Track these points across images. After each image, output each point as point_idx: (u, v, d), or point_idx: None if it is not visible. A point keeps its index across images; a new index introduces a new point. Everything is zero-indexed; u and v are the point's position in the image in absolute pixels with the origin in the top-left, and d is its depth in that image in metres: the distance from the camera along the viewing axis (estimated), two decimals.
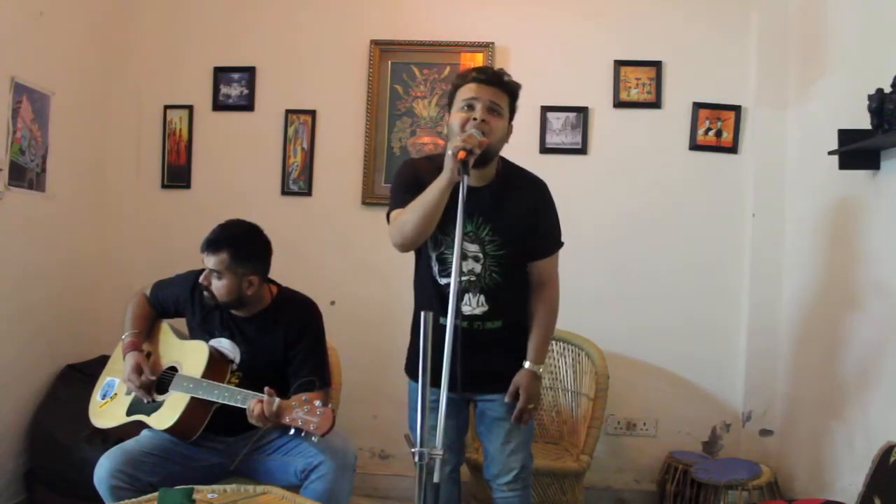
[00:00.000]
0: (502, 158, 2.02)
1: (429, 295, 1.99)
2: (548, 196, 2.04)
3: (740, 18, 3.17)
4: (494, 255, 1.95)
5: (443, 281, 1.97)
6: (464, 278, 1.95)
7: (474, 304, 1.97)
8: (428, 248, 1.98)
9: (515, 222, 1.96)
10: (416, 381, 1.97)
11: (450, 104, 1.98)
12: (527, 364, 1.99)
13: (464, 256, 1.94)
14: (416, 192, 1.88)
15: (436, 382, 1.96)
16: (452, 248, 1.91)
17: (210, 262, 2.15)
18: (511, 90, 1.94)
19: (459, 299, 1.93)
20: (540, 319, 2.01)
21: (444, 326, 1.94)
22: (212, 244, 2.15)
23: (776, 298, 3.06)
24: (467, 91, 1.91)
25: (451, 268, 1.91)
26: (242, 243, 2.19)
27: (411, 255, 2.06)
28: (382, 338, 3.23)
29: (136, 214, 3.38)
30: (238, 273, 2.16)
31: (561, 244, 2.06)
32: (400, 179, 2.01)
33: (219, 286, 2.17)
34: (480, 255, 1.95)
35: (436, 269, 1.98)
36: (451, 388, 1.94)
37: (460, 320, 1.94)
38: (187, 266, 2.36)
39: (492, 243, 1.95)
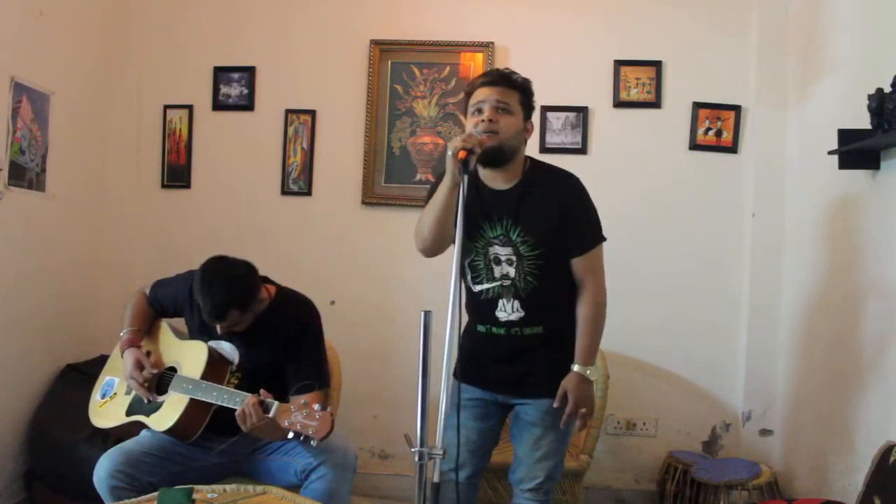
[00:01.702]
0: (531, 158, 2.02)
1: (467, 302, 1.98)
2: (580, 191, 2.00)
3: (740, 18, 3.17)
4: (530, 256, 1.93)
5: (476, 288, 1.97)
6: (496, 283, 1.95)
7: (509, 310, 1.95)
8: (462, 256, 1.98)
9: (545, 221, 1.93)
10: (460, 380, 1.97)
11: (465, 114, 2.00)
12: (575, 367, 1.94)
13: (496, 261, 1.94)
14: None
15: (471, 381, 1.98)
16: (481, 254, 1.94)
17: (224, 324, 2.11)
18: (519, 87, 1.95)
19: (494, 305, 1.95)
20: (582, 319, 1.96)
21: (480, 333, 1.97)
22: (216, 313, 2.07)
23: (776, 298, 3.06)
24: (477, 96, 1.93)
25: (482, 274, 1.95)
26: (241, 292, 2.11)
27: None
28: (382, 338, 3.24)
29: (136, 214, 3.38)
30: (250, 312, 2.16)
31: (601, 240, 2.02)
32: (430, 188, 2.02)
33: (241, 324, 2.16)
34: (514, 258, 1.93)
35: (469, 276, 1.98)
36: (464, 380, 1.96)
37: (495, 327, 1.96)
38: (187, 266, 2.36)
39: (525, 244, 1.93)
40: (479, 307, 1.97)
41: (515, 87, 1.94)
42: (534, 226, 1.92)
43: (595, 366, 1.97)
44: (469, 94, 1.97)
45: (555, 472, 2.01)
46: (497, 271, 1.94)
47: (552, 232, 1.93)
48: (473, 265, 1.96)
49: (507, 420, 2.13)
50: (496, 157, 1.87)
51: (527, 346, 1.96)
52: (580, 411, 1.92)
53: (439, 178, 1.99)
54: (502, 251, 1.94)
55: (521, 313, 1.94)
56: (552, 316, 1.97)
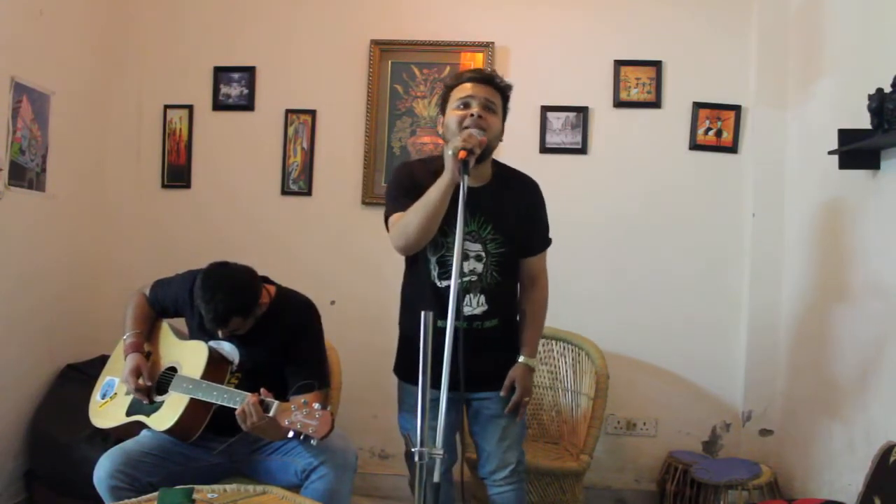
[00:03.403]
0: (494, 160, 2.05)
1: (426, 298, 1.98)
2: (541, 194, 2.10)
3: (740, 18, 3.17)
4: (496, 253, 1.98)
5: (442, 284, 1.97)
6: (465, 279, 1.96)
7: (475, 305, 1.98)
8: (427, 251, 1.98)
9: (515, 220, 2.00)
10: (407, 381, 2.00)
11: (443, 106, 2.00)
12: (521, 358, 2.02)
13: (465, 257, 1.96)
14: (413, 194, 1.89)
15: (431, 383, 1.98)
16: (452, 250, 1.92)
17: (226, 331, 2.12)
18: (503, 91, 1.98)
19: (461, 300, 1.95)
20: (533, 314, 2.06)
21: (440, 329, 1.95)
22: (219, 321, 2.07)
23: (776, 298, 3.06)
24: (462, 90, 1.94)
25: (451, 270, 1.92)
26: (244, 300, 2.11)
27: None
28: (382, 337, 3.20)
29: (136, 214, 3.38)
30: (251, 316, 2.16)
31: (551, 241, 2.11)
32: (396, 183, 2.03)
33: (242, 329, 2.16)
34: (483, 254, 1.97)
35: (435, 272, 1.98)
36: (450, 388, 1.96)
37: (461, 322, 1.94)
38: (187, 266, 2.36)
39: (493, 241, 1.97)
40: (443, 303, 1.92)
41: (500, 90, 1.98)
42: (504, 224, 1.98)
43: (536, 358, 2.08)
44: (451, 88, 1.97)
45: (522, 456, 2.08)
46: (465, 267, 1.96)
47: (518, 231, 2.00)
48: (443, 261, 1.97)
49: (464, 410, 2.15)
50: (479, 156, 1.87)
51: (484, 341, 1.98)
52: (524, 400, 2.01)
53: (402, 177, 2.01)
54: (472, 247, 1.97)
55: (485, 307, 1.98)
56: (507, 310, 2.05)
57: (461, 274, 1.93)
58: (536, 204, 2.07)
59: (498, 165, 2.06)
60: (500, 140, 2.00)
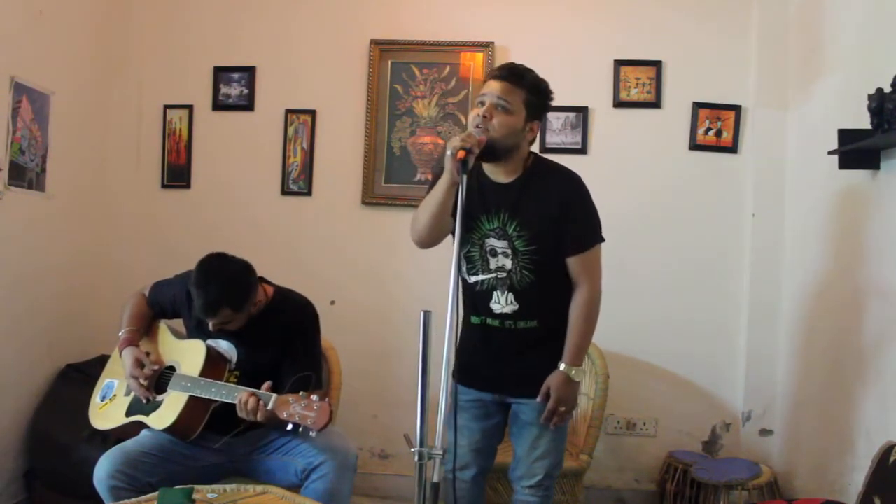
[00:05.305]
0: (535, 154, 2.00)
1: (462, 293, 2.00)
2: (581, 190, 1.98)
3: (740, 18, 3.17)
4: (525, 251, 1.92)
5: (471, 279, 1.97)
6: (491, 275, 1.95)
7: (503, 303, 1.95)
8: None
9: (542, 216, 1.91)
10: (460, 383, 1.99)
11: None
12: (561, 366, 1.93)
13: (493, 252, 1.94)
14: None
15: (469, 383, 2.00)
16: (477, 246, 1.94)
17: (216, 321, 2.10)
18: (528, 86, 1.89)
19: (488, 297, 1.95)
20: (573, 318, 1.96)
21: (475, 325, 1.98)
22: (208, 309, 2.07)
23: (776, 298, 3.06)
24: (484, 87, 1.92)
25: (478, 265, 1.95)
26: (236, 292, 2.11)
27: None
28: (382, 338, 3.24)
29: (136, 214, 3.38)
30: (244, 311, 2.15)
31: (599, 240, 2.01)
32: (429, 185, 2.02)
33: (233, 323, 2.16)
34: (509, 251, 1.93)
35: (464, 267, 1.98)
36: (462, 382, 1.96)
37: (490, 318, 1.96)
38: (187, 266, 2.35)
39: (520, 238, 1.92)
40: (475, 298, 1.98)
41: (523, 86, 1.88)
42: (530, 220, 1.91)
43: (582, 368, 1.96)
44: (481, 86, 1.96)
45: (554, 469, 2.01)
46: (492, 263, 1.94)
47: (548, 228, 1.91)
48: (469, 256, 1.96)
49: (508, 416, 2.13)
50: (488, 153, 1.85)
51: (522, 343, 1.96)
52: (559, 409, 1.92)
53: (437, 176, 1.98)
54: (498, 244, 1.94)
55: (516, 306, 1.94)
56: (548, 313, 1.96)
57: (487, 270, 1.95)
58: (573, 201, 1.94)
59: (536, 160, 1.99)
60: (526, 137, 1.92)
